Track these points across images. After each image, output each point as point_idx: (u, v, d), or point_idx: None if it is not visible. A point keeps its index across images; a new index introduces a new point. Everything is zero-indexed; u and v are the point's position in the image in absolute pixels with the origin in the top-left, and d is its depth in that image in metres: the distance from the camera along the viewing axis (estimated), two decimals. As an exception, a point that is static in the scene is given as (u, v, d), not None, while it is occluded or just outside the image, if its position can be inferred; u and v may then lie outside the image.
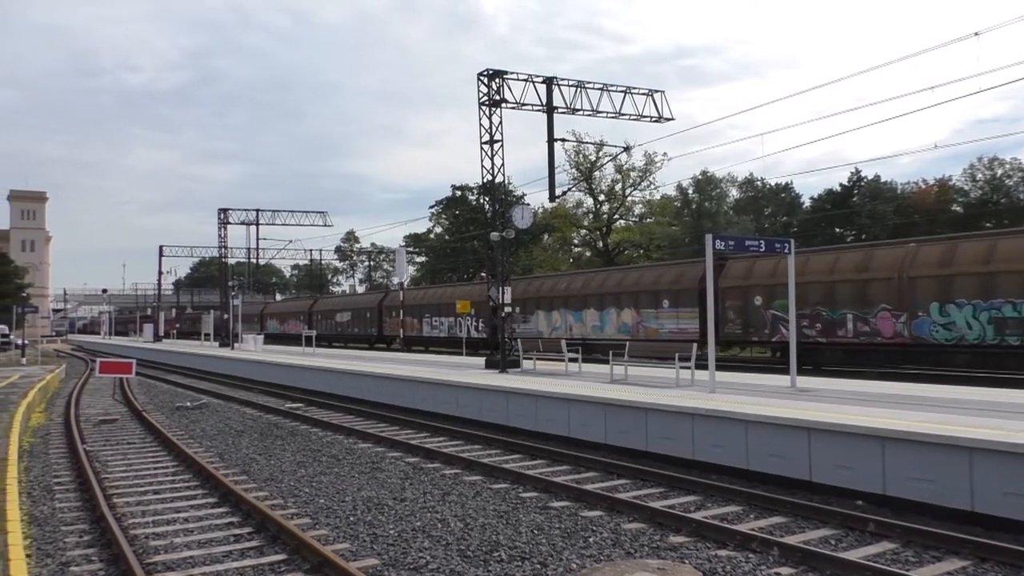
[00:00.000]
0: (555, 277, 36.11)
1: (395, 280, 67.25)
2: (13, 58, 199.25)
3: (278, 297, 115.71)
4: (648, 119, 23.30)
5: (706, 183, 70.41)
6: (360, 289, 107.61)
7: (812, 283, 23.11)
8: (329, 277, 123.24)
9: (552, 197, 24.00)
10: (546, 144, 22.41)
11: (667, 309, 28.08)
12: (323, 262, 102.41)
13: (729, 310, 25.41)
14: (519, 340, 22.73)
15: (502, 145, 21.43)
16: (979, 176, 62.84)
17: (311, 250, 70.21)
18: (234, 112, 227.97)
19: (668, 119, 23.44)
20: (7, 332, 51.12)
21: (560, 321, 33.08)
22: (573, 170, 58.95)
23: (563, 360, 20.09)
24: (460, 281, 62.61)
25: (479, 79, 21.32)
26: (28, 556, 7.20)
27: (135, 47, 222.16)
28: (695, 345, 16.29)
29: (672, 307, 27.87)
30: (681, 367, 15.89)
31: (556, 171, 23.24)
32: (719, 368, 15.29)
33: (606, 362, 18.57)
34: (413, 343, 44.94)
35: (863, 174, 64.45)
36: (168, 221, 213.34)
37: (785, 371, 16.36)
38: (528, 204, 27.41)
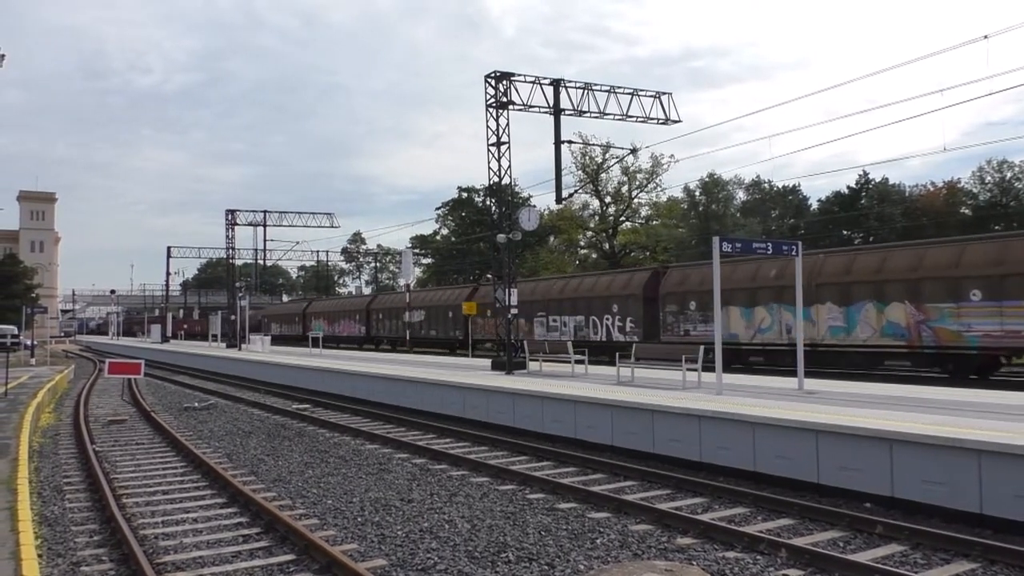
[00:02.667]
0: (755, 262, 25.69)
1: (401, 282, 66.72)
2: (24, 60, 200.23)
3: (285, 298, 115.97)
4: (655, 121, 23.33)
5: (713, 185, 70.32)
6: (367, 290, 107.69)
7: None
8: (335, 279, 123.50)
9: (559, 199, 24.06)
10: (553, 146, 22.48)
11: (978, 303, 19.74)
12: (329, 263, 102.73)
13: None
14: (525, 341, 22.75)
15: (509, 147, 21.48)
16: (988, 179, 62.63)
17: (318, 251, 70.36)
18: (243, 113, 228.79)
19: (675, 121, 23.47)
20: (16, 333, 51.36)
21: (769, 321, 24.50)
22: (580, 172, 59.04)
23: (569, 361, 20.11)
24: (605, 269, 47.71)
25: (486, 81, 21.36)
26: (39, 556, 7.24)
27: (145, 48, 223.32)
28: (702, 349, 15.98)
29: (991, 300, 19.51)
30: (688, 368, 15.87)
31: (563, 173, 23.31)
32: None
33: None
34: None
35: (871, 176, 64.38)
36: (177, 222, 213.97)
37: None
38: (534, 206, 27.35)
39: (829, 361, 22.42)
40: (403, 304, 44.34)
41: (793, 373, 15.07)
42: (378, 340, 50.74)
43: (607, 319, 30.40)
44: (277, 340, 58.07)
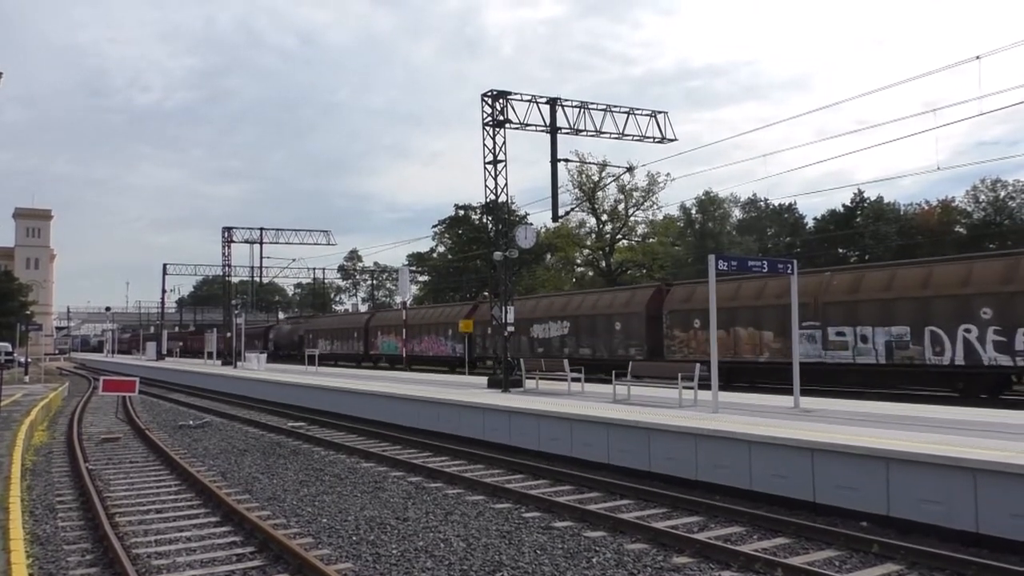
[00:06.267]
0: None
1: (397, 299, 66.28)
2: (26, 77, 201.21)
3: (281, 315, 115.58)
4: (651, 140, 23.47)
5: (709, 203, 70.51)
6: (363, 308, 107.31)
7: None
8: (332, 296, 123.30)
9: (555, 217, 24.13)
10: (549, 164, 22.56)
11: None
12: (326, 281, 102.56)
13: None
14: (521, 359, 22.73)
15: (505, 165, 21.56)
16: (982, 197, 62.91)
17: (314, 269, 70.11)
18: (242, 131, 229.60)
19: (671, 140, 23.62)
20: (10, 350, 51.18)
21: None
22: (576, 190, 59.23)
23: (565, 379, 20.08)
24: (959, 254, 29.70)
25: (483, 100, 21.47)
26: (31, 575, 7.19)
27: (146, 66, 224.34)
28: (697, 366, 16.06)
29: None
30: (684, 387, 15.85)
31: (559, 191, 23.39)
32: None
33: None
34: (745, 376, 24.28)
35: (866, 195, 64.66)
36: (176, 239, 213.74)
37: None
38: (531, 224, 27.41)
39: None
40: (536, 315, 32.45)
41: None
42: (476, 361, 38.69)
43: (966, 331, 19.32)
44: (327, 361, 47.50)
